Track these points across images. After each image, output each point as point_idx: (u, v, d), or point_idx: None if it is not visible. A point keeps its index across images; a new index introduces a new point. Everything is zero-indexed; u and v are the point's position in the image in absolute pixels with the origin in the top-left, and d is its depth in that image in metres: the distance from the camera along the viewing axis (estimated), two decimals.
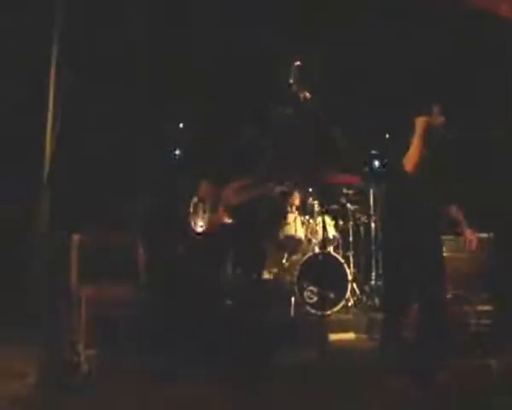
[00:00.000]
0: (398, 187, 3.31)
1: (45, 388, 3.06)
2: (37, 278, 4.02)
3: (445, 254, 3.75)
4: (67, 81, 4.40)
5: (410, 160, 3.14)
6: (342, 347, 4.45)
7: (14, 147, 4.84)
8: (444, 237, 3.88)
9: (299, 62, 2.24)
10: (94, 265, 4.24)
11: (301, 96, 2.26)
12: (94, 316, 3.96)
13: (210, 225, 3.68)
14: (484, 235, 4.56)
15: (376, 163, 5.52)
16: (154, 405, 2.97)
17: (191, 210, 3.85)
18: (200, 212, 3.79)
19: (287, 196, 5.59)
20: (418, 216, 3.24)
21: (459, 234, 3.66)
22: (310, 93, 2.22)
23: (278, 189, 4.80)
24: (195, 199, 3.96)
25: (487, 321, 4.47)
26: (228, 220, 3.87)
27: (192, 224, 3.92)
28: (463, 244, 3.51)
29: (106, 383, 3.30)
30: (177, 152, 5.00)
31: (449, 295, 4.25)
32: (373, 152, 5.79)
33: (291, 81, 2.27)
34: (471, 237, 3.42)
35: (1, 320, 4.21)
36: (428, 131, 3.22)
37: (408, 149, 3.20)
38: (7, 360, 3.49)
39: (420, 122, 3.20)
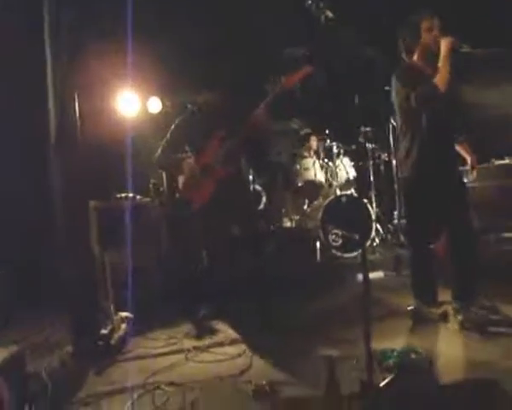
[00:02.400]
0: (423, 116, 3.16)
1: (81, 354, 3.03)
2: (61, 247, 3.96)
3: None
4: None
5: (443, 80, 3.01)
6: (373, 285, 4.38)
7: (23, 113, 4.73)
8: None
9: None
10: (115, 229, 4.18)
11: (322, 16, 2.09)
12: (119, 281, 3.93)
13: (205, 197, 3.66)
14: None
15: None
16: (186, 364, 2.93)
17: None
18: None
19: (304, 140, 5.44)
20: (440, 145, 3.15)
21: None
22: (332, 13, 2.05)
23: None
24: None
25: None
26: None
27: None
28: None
29: (139, 345, 3.29)
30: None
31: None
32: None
33: (309, 1, 2.10)
34: (473, 163, 3.45)
35: (32, 296, 4.22)
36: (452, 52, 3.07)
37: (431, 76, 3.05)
38: (44, 332, 3.48)
39: (445, 43, 3.04)
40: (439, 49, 3.03)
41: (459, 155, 3.48)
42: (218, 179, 3.64)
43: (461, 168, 3.44)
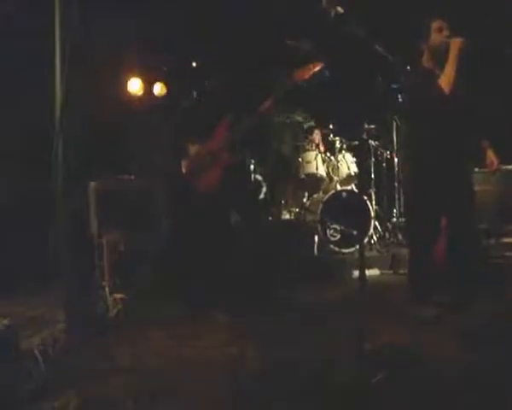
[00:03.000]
0: (426, 118, 3.16)
1: (74, 333, 3.04)
2: (59, 226, 3.97)
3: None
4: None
5: (447, 81, 2.99)
6: (368, 283, 4.41)
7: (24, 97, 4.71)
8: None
9: None
10: (114, 211, 4.18)
11: (333, 12, 2.07)
12: (116, 262, 3.94)
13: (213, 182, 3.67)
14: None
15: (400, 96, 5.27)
16: (178, 347, 2.95)
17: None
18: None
19: (307, 133, 5.43)
20: (447, 147, 3.12)
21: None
22: (343, 8, 2.04)
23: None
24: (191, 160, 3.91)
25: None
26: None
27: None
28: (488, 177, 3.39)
29: (132, 326, 3.30)
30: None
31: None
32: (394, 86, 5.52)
33: None
34: (492, 161, 3.33)
35: (31, 273, 4.22)
36: (461, 54, 3.06)
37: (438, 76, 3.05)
38: (37, 309, 3.49)
39: (454, 43, 3.03)
40: (448, 50, 3.02)
41: (475, 157, 3.46)
42: (224, 166, 3.69)
43: (484, 171, 3.41)
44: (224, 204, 3.89)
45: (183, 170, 3.94)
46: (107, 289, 3.55)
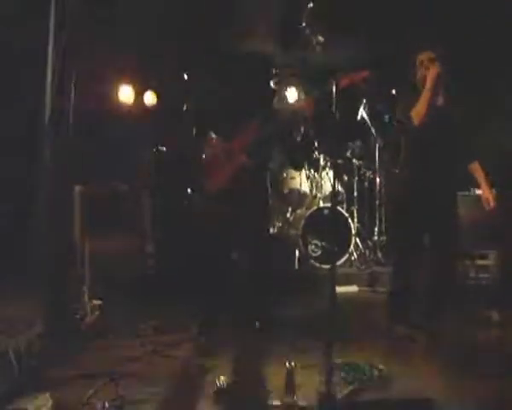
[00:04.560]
0: (410, 140, 3.24)
1: (51, 337, 3.07)
2: (42, 230, 3.98)
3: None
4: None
5: (418, 113, 3.06)
6: (346, 298, 4.49)
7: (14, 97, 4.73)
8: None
9: (311, 4, 2.13)
10: (98, 217, 4.21)
11: (314, 40, 2.16)
12: (98, 268, 3.96)
13: (222, 181, 3.48)
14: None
15: (386, 117, 5.39)
16: (157, 356, 2.99)
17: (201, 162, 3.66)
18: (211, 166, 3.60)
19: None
20: (431, 170, 3.19)
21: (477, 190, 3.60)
22: (323, 37, 2.13)
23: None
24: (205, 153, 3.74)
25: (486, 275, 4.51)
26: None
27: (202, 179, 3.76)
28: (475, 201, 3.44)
29: (109, 332, 3.34)
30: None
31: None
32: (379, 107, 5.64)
33: (303, 24, 2.17)
34: (488, 194, 3.30)
35: (7, 273, 4.21)
36: (440, 82, 3.13)
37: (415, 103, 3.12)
38: (13, 311, 3.49)
39: (431, 73, 3.10)
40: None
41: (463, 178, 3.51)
42: (241, 167, 3.40)
43: (476, 192, 3.43)
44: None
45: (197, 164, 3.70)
46: (86, 294, 3.57)
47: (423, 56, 3.20)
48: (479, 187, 3.40)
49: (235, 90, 3.43)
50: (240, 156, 3.35)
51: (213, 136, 3.40)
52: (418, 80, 3.20)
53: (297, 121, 4.11)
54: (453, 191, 3.39)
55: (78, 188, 4.16)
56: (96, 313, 3.43)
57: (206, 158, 3.52)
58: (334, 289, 2.34)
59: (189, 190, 5.19)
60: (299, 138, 4.53)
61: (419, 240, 3.34)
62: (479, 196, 3.46)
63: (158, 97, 6.01)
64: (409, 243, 3.33)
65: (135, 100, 5.95)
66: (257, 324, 3.33)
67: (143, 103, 6.00)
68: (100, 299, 3.57)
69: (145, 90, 5.99)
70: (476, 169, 3.31)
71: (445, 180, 3.27)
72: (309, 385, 2.41)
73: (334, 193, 2.62)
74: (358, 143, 5.70)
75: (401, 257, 3.42)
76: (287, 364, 2.25)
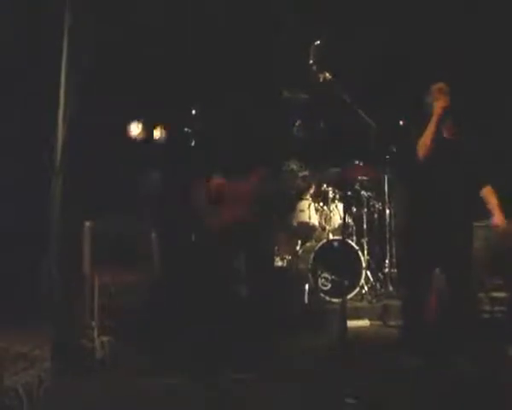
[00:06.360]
0: (417, 173, 3.25)
1: (60, 373, 3.05)
2: (51, 264, 4.00)
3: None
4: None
5: (423, 146, 3.09)
6: (357, 333, 4.42)
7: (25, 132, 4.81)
8: None
9: (318, 42, 2.18)
10: (107, 251, 4.22)
11: (321, 77, 2.20)
12: (107, 303, 3.95)
13: (227, 219, 3.53)
14: None
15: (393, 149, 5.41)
16: (165, 392, 2.95)
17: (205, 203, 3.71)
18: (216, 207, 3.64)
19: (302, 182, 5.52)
20: (442, 201, 3.18)
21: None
22: (331, 74, 2.17)
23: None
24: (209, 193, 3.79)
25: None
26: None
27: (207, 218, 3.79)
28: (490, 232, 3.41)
29: (119, 369, 3.30)
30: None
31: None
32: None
33: (311, 61, 2.22)
34: (498, 221, 3.28)
35: (16, 308, 4.21)
36: (445, 115, 3.16)
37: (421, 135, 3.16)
38: (24, 346, 3.48)
39: (438, 106, 3.13)
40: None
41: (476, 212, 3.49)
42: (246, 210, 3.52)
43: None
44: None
45: (202, 200, 3.78)
46: (95, 330, 3.55)
47: (435, 87, 3.23)
48: (491, 212, 3.36)
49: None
50: (246, 199, 3.39)
51: (218, 176, 3.50)
52: (428, 111, 3.23)
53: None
54: (468, 223, 3.35)
55: (88, 223, 4.20)
56: (106, 349, 3.40)
57: (211, 198, 3.60)
58: (345, 324, 2.32)
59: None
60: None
61: (428, 273, 3.31)
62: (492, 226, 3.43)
63: (166, 132, 6.10)
64: (418, 276, 3.30)
65: (144, 134, 6.05)
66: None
67: (152, 138, 6.09)
68: (108, 334, 3.56)
69: (154, 125, 6.10)
70: (488, 192, 3.29)
71: (457, 211, 3.25)
72: None
73: (345, 225, 2.61)
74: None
75: (411, 290, 3.39)
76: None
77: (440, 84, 3.23)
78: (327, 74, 2.21)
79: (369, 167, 4.98)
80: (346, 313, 2.29)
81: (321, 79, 2.21)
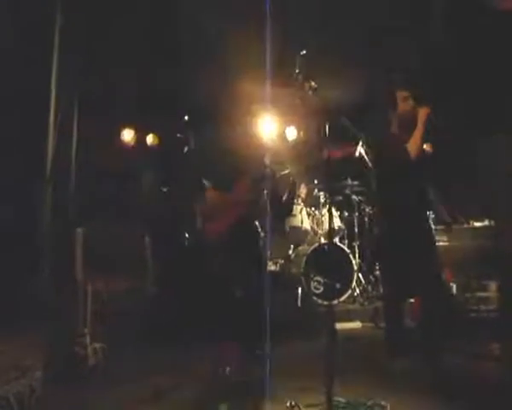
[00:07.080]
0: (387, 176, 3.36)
1: (52, 381, 3.06)
2: (43, 271, 4.01)
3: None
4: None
5: (416, 146, 3.19)
6: (349, 335, 4.46)
7: (16, 142, 4.82)
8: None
9: (304, 51, 2.23)
10: (100, 258, 4.23)
11: (307, 85, 2.25)
12: (100, 309, 3.96)
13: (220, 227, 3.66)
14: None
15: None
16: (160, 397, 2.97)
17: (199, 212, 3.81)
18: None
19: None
20: (407, 202, 3.29)
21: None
22: (316, 83, 2.22)
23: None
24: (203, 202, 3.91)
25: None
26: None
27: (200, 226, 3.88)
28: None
29: (112, 376, 3.31)
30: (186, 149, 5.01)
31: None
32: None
33: (297, 71, 2.26)
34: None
35: (8, 315, 4.20)
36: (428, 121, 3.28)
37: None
38: (15, 354, 3.49)
39: (423, 111, 3.24)
40: (414, 117, 3.24)
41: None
42: (238, 215, 3.69)
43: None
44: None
45: (198, 214, 3.91)
46: (88, 337, 3.56)
47: (404, 93, 3.33)
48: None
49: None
50: (237, 207, 3.50)
51: (209, 186, 3.61)
52: (402, 115, 3.32)
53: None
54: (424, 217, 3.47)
55: (79, 230, 4.21)
56: (98, 355, 3.42)
57: (205, 207, 3.71)
58: (334, 326, 2.35)
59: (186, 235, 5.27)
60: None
61: (403, 271, 3.38)
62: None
63: (159, 139, 6.14)
64: (394, 276, 3.38)
65: (136, 141, 6.09)
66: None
67: (145, 145, 6.13)
68: (101, 341, 3.57)
69: (147, 132, 6.14)
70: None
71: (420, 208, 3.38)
72: None
73: (335, 229, 2.66)
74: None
75: (389, 290, 3.47)
76: (288, 403, 2.24)
77: (405, 93, 3.35)
78: (312, 83, 2.26)
79: (349, 145, 4.92)
80: (334, 316, 2.32)
81: (307, 89, 2.27)
